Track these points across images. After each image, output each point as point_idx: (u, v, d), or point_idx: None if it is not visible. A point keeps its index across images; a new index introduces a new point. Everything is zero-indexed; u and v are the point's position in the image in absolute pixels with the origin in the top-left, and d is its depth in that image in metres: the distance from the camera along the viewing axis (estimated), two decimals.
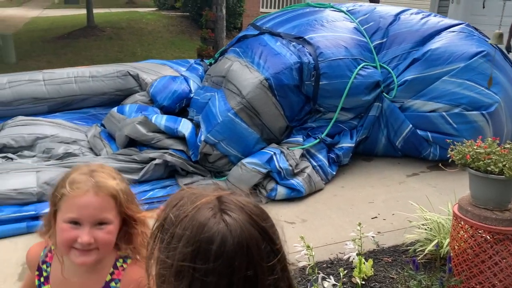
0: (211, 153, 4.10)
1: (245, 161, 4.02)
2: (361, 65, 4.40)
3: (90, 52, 10.38)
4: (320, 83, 4.27)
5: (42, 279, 1.24)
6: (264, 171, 3.92)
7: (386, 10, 5.13)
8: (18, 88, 5.20)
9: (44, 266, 1.24)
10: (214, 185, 0.85)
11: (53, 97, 5.28)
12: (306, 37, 4.49)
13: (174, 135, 4.22)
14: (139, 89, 5.45)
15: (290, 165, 3.96)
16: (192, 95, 5.05)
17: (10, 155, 4.33)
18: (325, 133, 4.38)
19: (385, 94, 4.56)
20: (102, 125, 4.93)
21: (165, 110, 4.89)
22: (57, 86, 5.34)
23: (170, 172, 4.18)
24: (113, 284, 1.22)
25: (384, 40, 4.77)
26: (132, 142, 4.36)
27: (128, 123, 4.29)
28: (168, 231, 0.76)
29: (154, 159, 4.07)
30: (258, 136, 4.18)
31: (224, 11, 9.97)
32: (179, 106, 5.02)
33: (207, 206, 0.76)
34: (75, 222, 1.13)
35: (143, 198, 3.86)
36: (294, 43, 4.45)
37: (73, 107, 5.48)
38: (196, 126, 4.41)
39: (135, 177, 3.99)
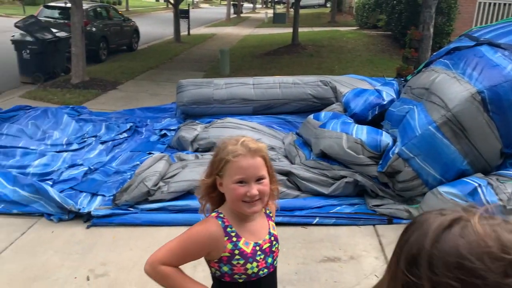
0: (402, 170, 3.81)
1: (442, 189, 3.64)
2: None
3: (292, 68, 11.01)
4: None
5: (234, 239, 1.43)
6: (464, 204, 3.48)
7: None
8: (232, 89, 6.00)
9: (229, 229, 1.43)
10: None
11: (258, 99, 5.94)
12: None
13: (376, 148, 4.04)
14: (335, 100, 5.70)
15: (501, 199, 3.43)
16: (384, 102, 4.87)
17: None
18: None
19: None
20: (297, 134, 5.15)
21: (356, 118, 4.82)
22: (263, 90, 5.99)
23: (359, 192, 4.09)
24: (267, 211, 1.58)
25: None
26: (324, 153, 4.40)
27: (326, 136, 4.33)
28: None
29: (344, 176, 4.04)
30: (461, 157, 3.70)
31: (431, 30, 9.40)
32: (372, 114, 4.88)
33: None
34: (241, 182, 1.40)
35: (331, 211, 3.86)
36: None
37: (273, 111, 6.02)
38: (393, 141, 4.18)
39: (325, 191, 4.03)
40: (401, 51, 10.65)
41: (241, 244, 1.43)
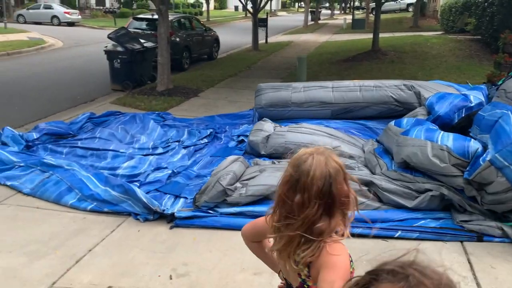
0: (494, 180, 3.49)
1: None
2: None
3: (371, 74, 10.73)
4: None
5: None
6: None
7: None
8: (310, 92, 6.01)
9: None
10: None
11: (338, 103, 5.88)
12: None
13: (464, 154, 3.77)
14: (418, 106, 5.46)
15: None
16: (472, 104, 4.55)
17: None
18: None
19: None
20: (377, 141, 4.99)
21: (441, 121, 4.55)
22: (343, 93, 5.92)
23: (445, 206, 3.86)
24: None
25: None
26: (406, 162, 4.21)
27: (409, 144, 4.14)
28: None
29: (430, 190, 3.83)
30: None
31: None
32: (458, 117, 4.57)
33: None
34: None
35: (414, 225, 3.68)
36: None
37: (353, 115, 5.89)
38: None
39: (408, 204, 3.85)
40: (492, 56, 9.97)
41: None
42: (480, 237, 3.55)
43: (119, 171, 4.81)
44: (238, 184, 4.07)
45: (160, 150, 5.52)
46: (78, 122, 6.34)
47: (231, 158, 4.57)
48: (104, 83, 9.96)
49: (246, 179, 4.16)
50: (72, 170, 4.57)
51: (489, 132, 3.92)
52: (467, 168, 3.69)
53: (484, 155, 3.64)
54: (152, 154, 5.36)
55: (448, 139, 3.90)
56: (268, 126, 5.46)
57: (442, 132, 4.09)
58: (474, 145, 3.78)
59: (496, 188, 3.52)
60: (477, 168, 3.58)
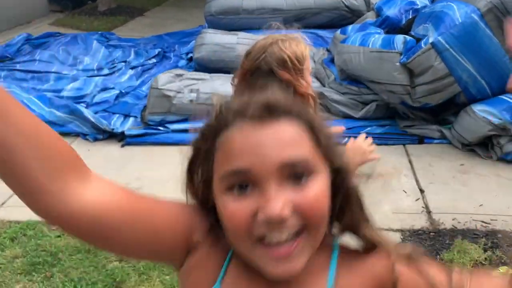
0: (432, 65, 3.50)
1: (476, 107, 3.53)
2: None
3: None
4: None
5: None
6: (496, 121, 3.37)
7: None
8: None
9: None
10: None
11: (290, 9, 5.83)
12: None
13: (390, 46, 3.79)
14: (366, 12, 5.55)
15: None
16: (418, 6, 4.57)
17: None
18: None
19: None
20: (328, 50, 5.00)
21: (389, 22, 4.55)
22: None
23: (391, 115, 4.02)
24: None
25: None
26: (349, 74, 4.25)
27: (344, 51, 4.10)
28: None
29: (375, 100, 3.96)
30: (502, 51, 3.43)
31: None
32: (405, 18, 4.58)
33: None
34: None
35: (360, 132, 3.83)
36: None
37: (305, 23, 5.80)
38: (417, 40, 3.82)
39: (355, 114, 3.98)
40: None
41: None
42: (421, 139, 3.77)
43: (64, 93, 4.61)
44: (184, 88, 3.97)
45: (106, 71, 5.30)
46: (14, 44, 5.90)
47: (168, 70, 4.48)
48: (41, 3, 9.18)
49: (195, 79, 4.07)
50: (12, 92, 4.34)
51: (426, 21, 3.88)
52: (402, 57, 3.66)
53: (425, 39, 3.60)
54: (97, 76, 5.15)
55: (378, 41, 3.91)
56: (209, 37, 5.17)
57: (377, 36, 4.06)
58: (399, 36, 3.80)
59: (434, 75, 3.53)
60: (417, 51, 3.57)
